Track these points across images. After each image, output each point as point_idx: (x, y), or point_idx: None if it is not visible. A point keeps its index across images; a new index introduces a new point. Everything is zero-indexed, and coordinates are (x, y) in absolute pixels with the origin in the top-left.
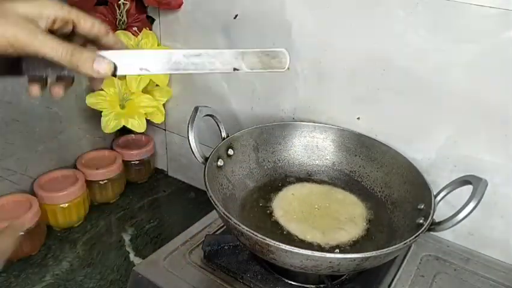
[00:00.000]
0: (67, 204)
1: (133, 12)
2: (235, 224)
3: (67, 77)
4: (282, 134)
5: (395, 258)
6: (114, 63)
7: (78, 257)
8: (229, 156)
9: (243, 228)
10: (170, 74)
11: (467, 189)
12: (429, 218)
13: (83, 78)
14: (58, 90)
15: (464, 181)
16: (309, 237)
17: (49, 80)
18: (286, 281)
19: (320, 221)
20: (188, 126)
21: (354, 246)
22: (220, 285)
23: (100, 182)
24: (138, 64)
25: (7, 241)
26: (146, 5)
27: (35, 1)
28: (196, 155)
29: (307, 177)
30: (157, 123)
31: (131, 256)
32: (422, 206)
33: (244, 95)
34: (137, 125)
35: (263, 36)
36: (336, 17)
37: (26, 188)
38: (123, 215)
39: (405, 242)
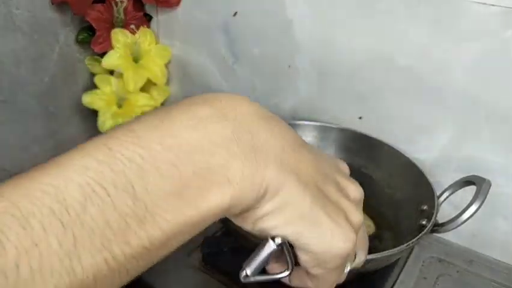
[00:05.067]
0: None
1: (130, 10)
2: (235, 225)
3: None
4: None
5: (397, 260)
6: None
7: None
8: None
9: (243, 230)
10: (168, 72)
11: (471, 190)
12: (432, 219)
13: (78, 76)
14: None
15: (467, 181)
16: None
17: None
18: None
19: None
20: None
21: None
22: None
23: None
24: None
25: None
26: (144, 3)
27: None
28: None
29: None
30: None
31: None
32: (425, 207)
33: (244, 94)
34: None
35: (263, 34)
36: (337, 14)
37: None
38: None
39: (407, 243)
